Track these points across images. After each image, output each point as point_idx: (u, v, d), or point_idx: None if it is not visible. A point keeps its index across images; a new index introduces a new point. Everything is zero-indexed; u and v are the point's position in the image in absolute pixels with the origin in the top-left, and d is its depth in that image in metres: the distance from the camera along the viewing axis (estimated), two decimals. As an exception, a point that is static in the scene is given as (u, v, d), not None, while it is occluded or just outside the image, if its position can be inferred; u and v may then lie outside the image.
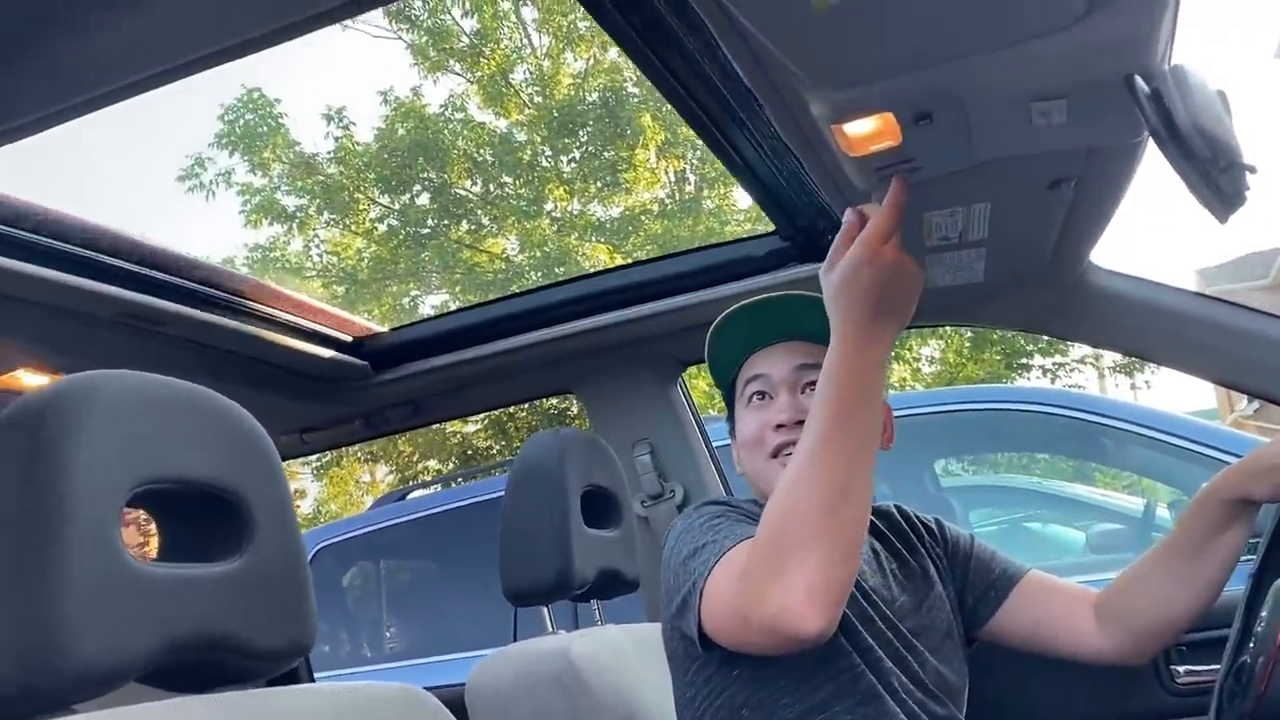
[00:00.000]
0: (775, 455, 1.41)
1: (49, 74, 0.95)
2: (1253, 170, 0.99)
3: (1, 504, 0.79)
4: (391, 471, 11.66)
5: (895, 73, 1.00)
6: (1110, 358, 10.84)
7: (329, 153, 11.24)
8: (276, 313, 1.85)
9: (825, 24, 0.90)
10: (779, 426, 1.41)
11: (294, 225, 11.45)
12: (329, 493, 12.55)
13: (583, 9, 1.45)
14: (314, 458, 11.42)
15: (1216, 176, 0.96)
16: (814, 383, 1.40)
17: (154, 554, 0.94)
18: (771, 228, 1.88)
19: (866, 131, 1.10)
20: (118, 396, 0.85)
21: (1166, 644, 1.50)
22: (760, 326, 1.48)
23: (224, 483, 0.92)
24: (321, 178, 11.22)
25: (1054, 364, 10.98)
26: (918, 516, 1.59)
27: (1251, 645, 1.30)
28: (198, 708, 0.88)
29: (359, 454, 11.40)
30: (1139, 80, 0.96)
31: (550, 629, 1.64)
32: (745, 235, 1.95)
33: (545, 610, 1.64)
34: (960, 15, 0.92)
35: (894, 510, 1.58)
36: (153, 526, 0.96)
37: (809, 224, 1.80)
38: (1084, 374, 11.12)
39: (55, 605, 0.77)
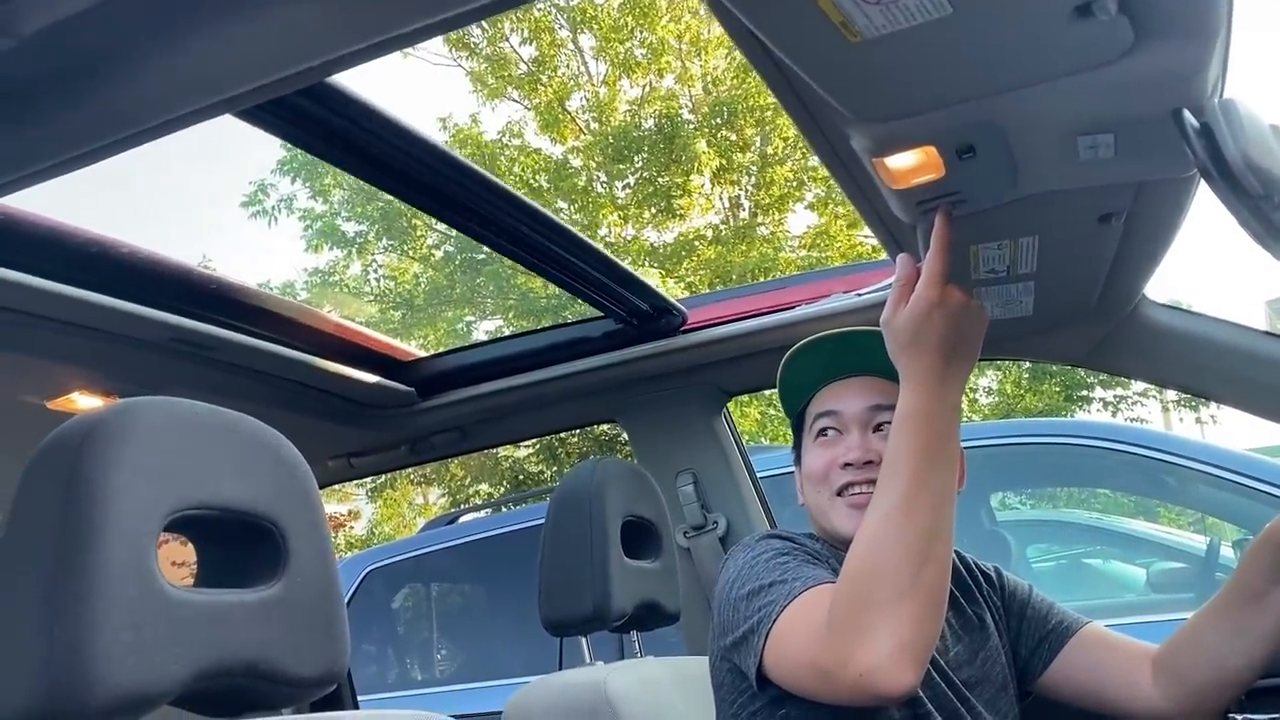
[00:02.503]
0: (840, 494, 1.39)
1: (104, 108, 0.98)
2: (1309, 207, 0.96)
3: (40, 528, 0.81)
4: (444, 494, 11.73)
5: (937, 107, 0.99)
6: (1174, 391, 10.57)
7: (388, 179, 11.40)
8: (323, 338, 1.87)
9: (863, 58, 0.89)
10: (846, 465, 1.39)
11: (353, 250, 11.63)
12: (383, 514, 12.65)
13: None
14: (368, 480, 11.54)
15: (1270, 213, 0.94)
16: (886, 423, 1.38)
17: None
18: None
19: (909, 165, 1.09)
20: (156, 423, 0.87)
21: (1228, 701, 1.42)
22: (836, 359, 1.46)
23: (261, 510, 0.93)
24: (381, 204, 11.39)
25: (1115, 397, 10.73)
26: (976, 564, 1.55)
27: (1311, 697, 1.25)
28: (228, 734, 0.89)
29: (412, 476, 11.48)
30: (1187, 115, 0.94)
31: (588, 660, 1.63)
32: (582, 319, 2.12)
33: (583, 641, 1.63)
34: (1003, 49, 0.91)
35: (953, 556, 1.54)
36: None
37: (634, 307, 1.93)
38: (1147, 407, 10.85)
39: (88, 630, 0.78)
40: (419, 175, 1.44)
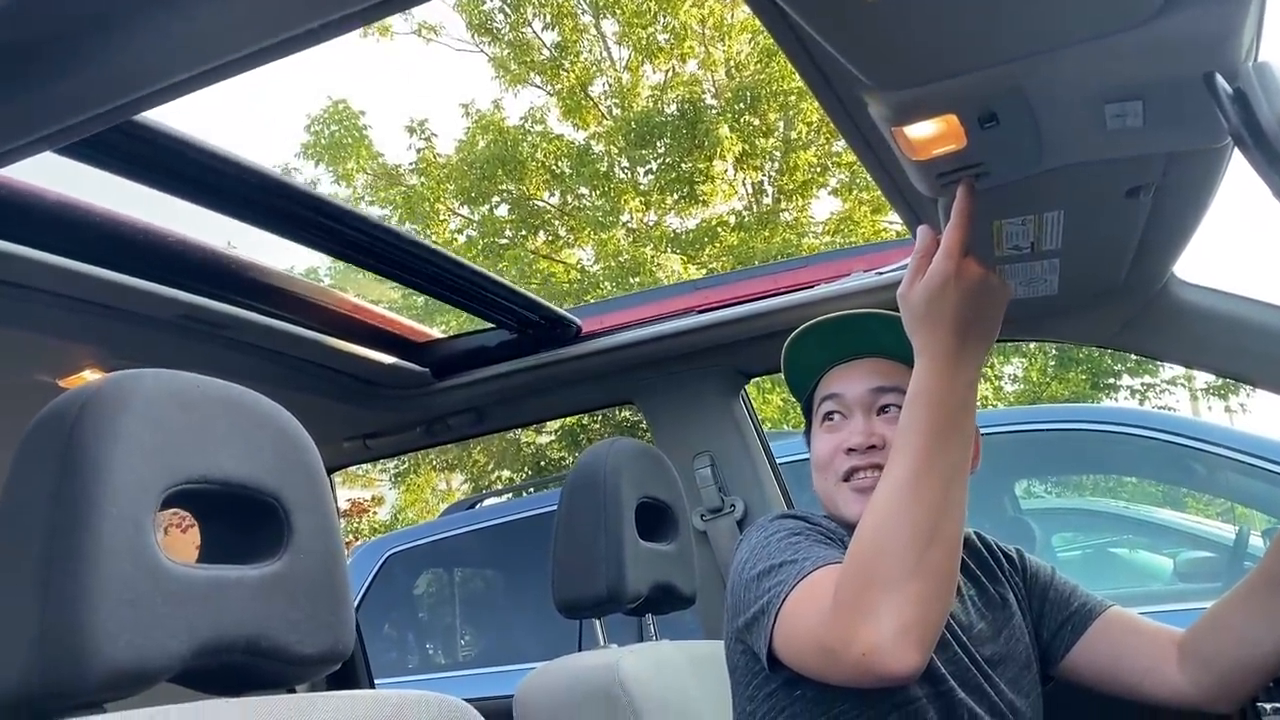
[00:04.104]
0: (846, 479, 1.37)
1: (103, 73, 0.96)
2: (1347, 176, 0.92)
3: (36, 500, 0.79)
4: (467, 480, 11.77)
5: (958, 72, 0.95)
6: (1203, 379, 10.46)
7: (411, 164, 11.43)
8: (338, 318, 1.86)
9: (882, 21, 0.86)
10: (850, 450, 1.37)
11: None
12: (406, 500, 12.72)
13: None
14: (391, 466, 11.59)
15: (1306, 182, 0.90)
16: (890, 406, 1.37)
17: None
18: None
19: (929, 135, 1.05)
20: (155, 395, 0.85)
21: (1256, 687, 1.39)
22: (837, 342, 1.44)
23: (262, 485, 0.91)
24: (403, 188, 11.42)
25: (1143, 385, 10.62)
26: (998, 545, 1.53)
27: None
28: (229, 711, 0.87)
29: (435, 463, 11.53)
30: (1220, 79, 0.90)
31: (602, 642, 1.61)
32: (477, 329, 2.22)
33: (597, 624, 1.61)
34: (1028, 11, 0.87)
35: (974, 536, 1.52)
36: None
37: (523, 316, 2.01)
38: (1175, 395, 10.73)
39: (84, 604, 0.76)
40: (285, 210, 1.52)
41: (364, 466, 11.84)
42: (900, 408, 1.36)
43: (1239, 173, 1.16)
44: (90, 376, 1.71)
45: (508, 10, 11.31)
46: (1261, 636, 1.31)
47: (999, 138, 1.05)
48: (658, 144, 10.75)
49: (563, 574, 1.57)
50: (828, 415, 1.42)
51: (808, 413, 1.49)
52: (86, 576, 0.77)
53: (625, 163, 11.26)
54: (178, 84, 0.92)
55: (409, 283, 1.84)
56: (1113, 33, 0.89)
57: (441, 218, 11.61)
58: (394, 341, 2.04)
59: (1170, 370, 10.39)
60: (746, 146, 10.65)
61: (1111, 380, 10.55)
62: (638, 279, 9.48)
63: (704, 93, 11.12)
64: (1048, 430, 3.32)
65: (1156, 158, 1.14)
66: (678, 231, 11.19)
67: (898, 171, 1.20)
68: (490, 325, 2.10)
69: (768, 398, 9.15)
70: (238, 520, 0.92)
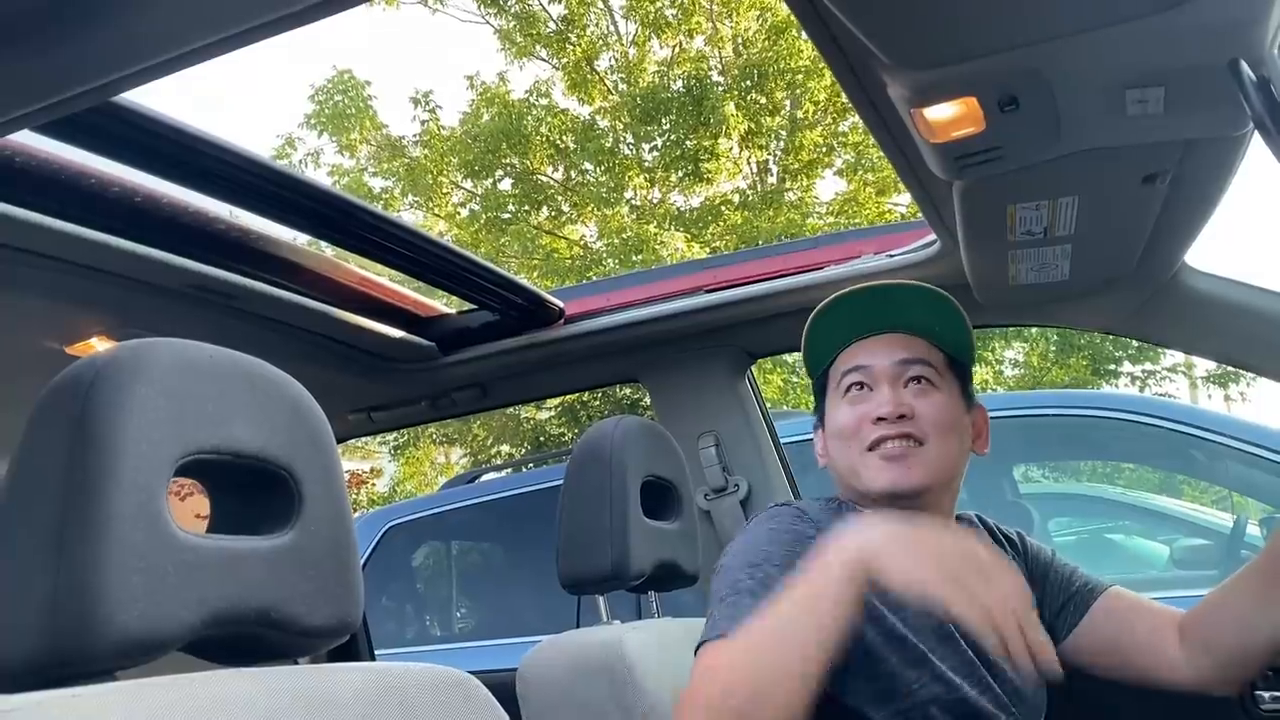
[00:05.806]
0: (872, 449, 1.36)
1: (110, 41, 0.95)
2: (1369, 166, 0.92)
3: (48, 469, 0.79)
4: (466, 454, 11.79)
5: (980, 54, 0.95)
6: (1203, 367, 10.47)
7: (415, 136, 11.38)
8: (346, 291, 1.85)
9: (905, 0, 0.86)
10: (878, 420, 1.36)
11: (379, 207, 11.60)
12: (405, 473, 12.74)
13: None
14: (391, 438, 11.61)
15: (1328, 172, 0.90)
16: (917, 378, 1.37)
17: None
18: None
19: (948, 117, 1.05)
20: (167, 365, 0.85)
21: (1253, 671, 1.41)
22: (863, 315, 1.43)
23: (273, 456, 0.91)
24: (406, 160, 11.37)
25: (1143, 372, 10.63)
26: (999, 528, 1.53)
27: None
28: (238, 681, 0.87)
29: (435, 436, 11.54)
30: (1244, 66, 0.90)
31: (605, 619, 1.61)
32: (464, 310, 2.20)
33: (601, 600, 1.62)
34: (1051, -7, 0.87)
35: (975, 519, 1.52)
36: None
37: (508, 300, 2.01)
38: (1175, 383, 10.75)
39: (96, 572, 0.76)
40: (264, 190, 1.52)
41: (363, 439, 11.87)
42: (927, 380, 1.36)
43: (1254, 162, 1.16)
44: (98, 345, 1.71)
45: (514, -19, 11.22)
46: (1259, 624, 1.31)
47: (1018, 122, 1.05)
48: (663, 120, 10.69)
49: (568, 550, 1.57)
50: (852, 386, 1.41)
51: (822, 389, 1.49)
52: (99, 544, 0.77)
53: (630, 139, 11.20)
54: (161, 64, 0.90)
55: (389, 262, 1.81)
56: (1137, 16, 0.89)
57: (444, 191, 11.56)
58: (401, 315, 2.04)
59: (1171, 358, 10.40)
60: (752, 125, 10.60)
61: (1112, 367, 10.56)
62: (640, 256, 9.45)
63: (710, 69, 11.05)
64: (1047, 415, 3.33)
65: (1174, 144, 1.14)
66: (682, 209, 11.15)
67: (913, 153, 1.19)
68: (473, 306, 2.10)
69: (768, 378, 9.16)
70: (249, 491, 0.92)
